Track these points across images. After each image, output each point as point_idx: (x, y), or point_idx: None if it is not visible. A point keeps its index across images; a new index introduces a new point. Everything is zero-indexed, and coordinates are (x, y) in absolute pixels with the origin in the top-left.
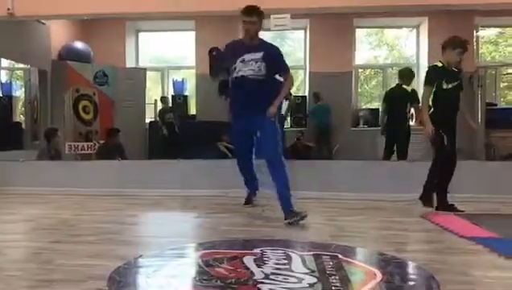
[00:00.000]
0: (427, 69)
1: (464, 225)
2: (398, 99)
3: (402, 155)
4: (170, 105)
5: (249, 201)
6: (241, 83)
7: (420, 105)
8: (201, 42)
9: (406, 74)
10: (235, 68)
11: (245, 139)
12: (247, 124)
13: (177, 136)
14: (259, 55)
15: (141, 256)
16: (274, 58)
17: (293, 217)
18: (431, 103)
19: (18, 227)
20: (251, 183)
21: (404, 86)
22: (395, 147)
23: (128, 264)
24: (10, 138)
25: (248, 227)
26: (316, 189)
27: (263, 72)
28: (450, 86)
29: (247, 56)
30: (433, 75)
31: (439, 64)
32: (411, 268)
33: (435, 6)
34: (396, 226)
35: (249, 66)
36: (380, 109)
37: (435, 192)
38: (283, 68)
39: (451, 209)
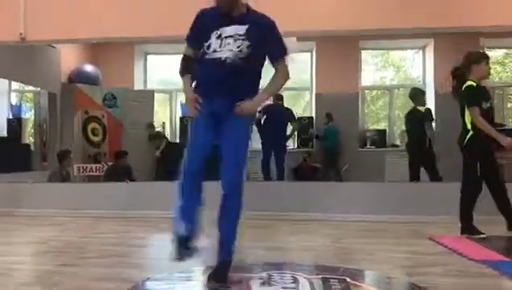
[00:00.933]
0: (467, 91)
1: (473, 248)
2: (413, 121)
3: (432, 176)
4: (157, 129)
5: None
6: (214, 67)
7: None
8: None
9: (414, 94)
10: (209, 46)
11: (208, 147)
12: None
13: (162, 160)
14: (243, 29)
15: (148, 279)
16: (265, 33)
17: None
18: (469, 126)
19: (27, 249)
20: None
21: (418, 107)
22: (422, 168)
23: (136, 287)
24: (20, 159)
25: (254, 249)
26: (324, 211)
27: (245, 55)
28: (488, 105)
29: (226, 30)
30: (476, 94)
31: (474, 84)
32: None
33: (440, 29)
34: (404, 248)
35: (227, 45)
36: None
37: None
38: (279, 50)
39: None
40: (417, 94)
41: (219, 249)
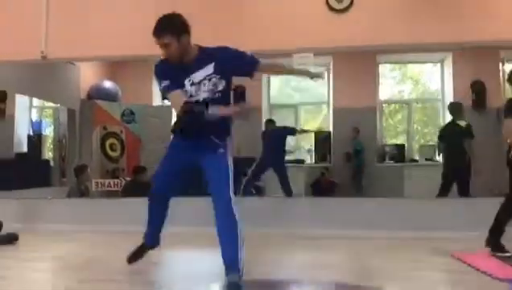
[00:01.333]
0: (507, 103)
1: (497, 266)
2: (452, 135)
3: (464, 192)
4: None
5: (139, 256)
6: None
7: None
8: None
9: (455, 109)
10: (185, 92)
11: (181, 170)
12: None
13: None
14: (210, 68)
15: None
16: (230, 63)
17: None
18: (508, 140)
19: (46, 266)
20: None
21: (458, 122)
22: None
23: None
24: (40, 175)
25: (273, 267)
26: (342, 227)
27: (221, 88)
28: None
29: (196, 76)
30: None
31: None
32: None
33: (460, 44)
34: (425, 266)
35: (202, 87)
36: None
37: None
38: (251, 62)
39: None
40: (458, 108)
41: (226, 272)
